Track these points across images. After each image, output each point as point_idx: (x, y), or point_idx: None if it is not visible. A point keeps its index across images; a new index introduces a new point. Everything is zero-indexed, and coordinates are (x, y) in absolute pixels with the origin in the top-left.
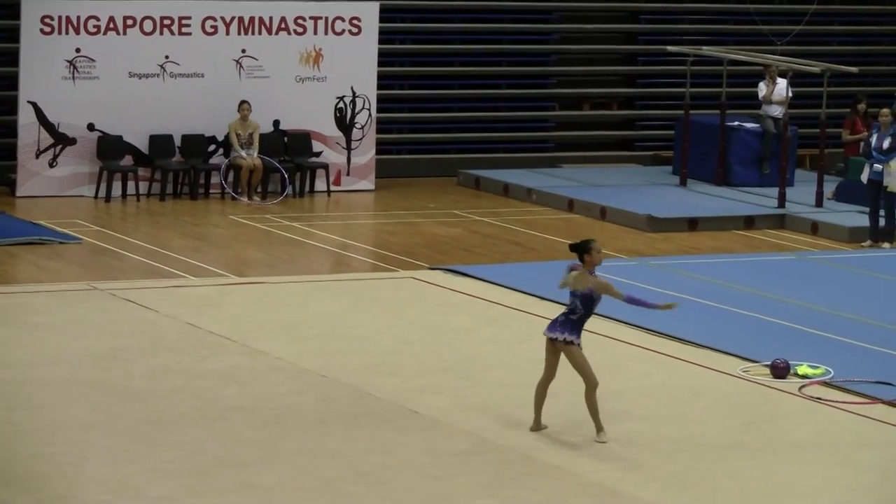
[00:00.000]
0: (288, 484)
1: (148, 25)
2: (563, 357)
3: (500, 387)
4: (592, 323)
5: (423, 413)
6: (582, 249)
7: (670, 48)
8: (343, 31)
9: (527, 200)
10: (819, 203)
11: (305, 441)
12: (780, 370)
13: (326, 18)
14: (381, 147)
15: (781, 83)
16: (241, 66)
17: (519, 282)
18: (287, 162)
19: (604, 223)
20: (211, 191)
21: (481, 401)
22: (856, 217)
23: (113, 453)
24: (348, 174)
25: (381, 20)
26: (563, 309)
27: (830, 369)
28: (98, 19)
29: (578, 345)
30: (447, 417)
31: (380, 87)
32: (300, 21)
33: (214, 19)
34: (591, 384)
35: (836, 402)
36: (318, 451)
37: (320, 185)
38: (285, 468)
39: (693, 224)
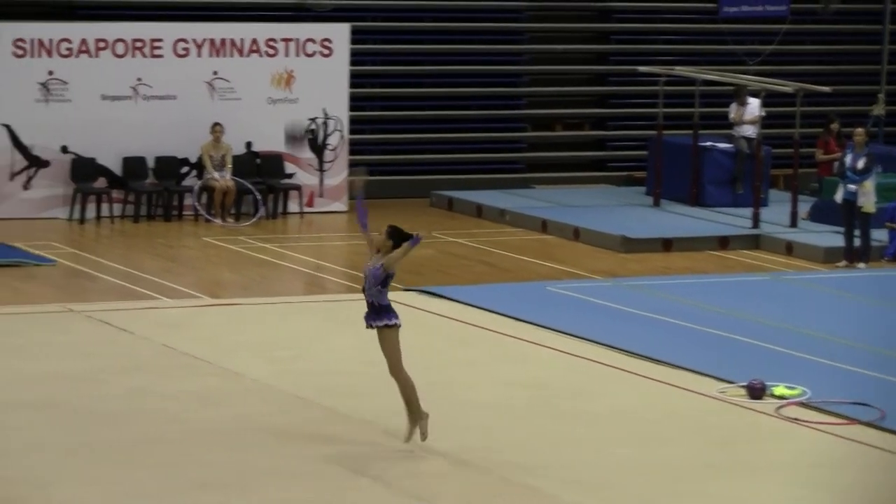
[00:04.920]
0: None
1: (120, 48)
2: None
3: (474, 408)
4: (566, 343)
5: (398, 434)
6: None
7: (642, 68)
8: (314, 52)
9: (500, 221)
10: (793, 223)
11: (282, 463)
12: (757, 391)
13: (298, 40)
14: (354, 168)
15: (754, 103)
16: (213, 87)
17: (492, 303)
18: (260, 184)
19: (577, 244)
20: (184, 212)
21: (455, 421)
22: (830, 237)
23: (88, 476)
24: (321, 196)
25: (353, 41)
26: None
27: (807, 390)
28: (70, 42)
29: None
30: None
31: (352, 108)
32: (271, 43)
33: (186, 41)
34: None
35: (814, 422)
36: (293, 473)
37: (293, 206)
38: (262, 490)
39: (667, 245)
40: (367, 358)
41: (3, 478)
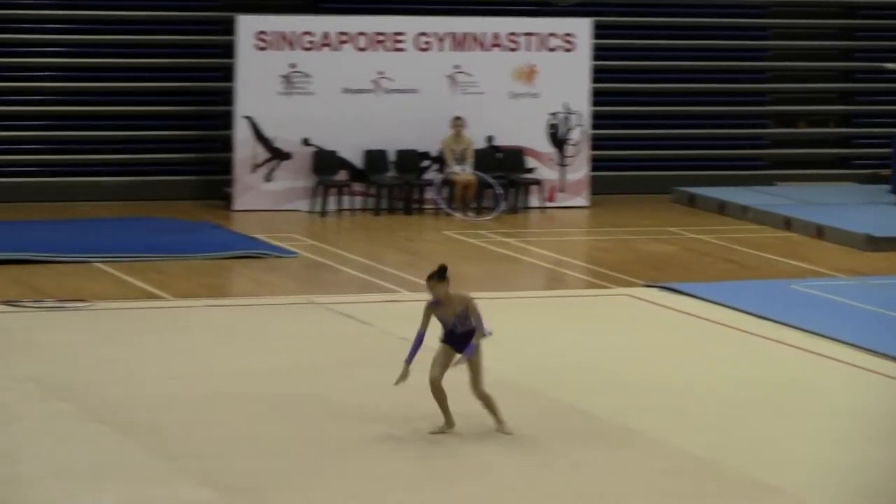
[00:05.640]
0: (502, 499)
1: (362, 41)
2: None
3: (717, 406)
4: (811, 341)
5: (640, 431)
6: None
7: (888, 65)
8: (556, 47)
9: (742, 218)
10: None
11: (520, 458)
12: None
13: (540, 35)
14: (595, 163)
15: None
16: (454, 81)
17: (736, 300)
18: (501, 178)
19: (821, 241)
20: (425, 206)
21: (695, 419)
22: None
23: (328, 469)
24: (562, 190)
25: (595, 36)
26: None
27: None
28: (312, 35)
29: None
30: (664, 436)
31: (594, 103)
32: (513, 37)
33: (427, 35)
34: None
35: None
36: (531, 468)
37: (534, 201)
38: (504, 482)
39: None
40: (605, 355)
41: (246, 469)
